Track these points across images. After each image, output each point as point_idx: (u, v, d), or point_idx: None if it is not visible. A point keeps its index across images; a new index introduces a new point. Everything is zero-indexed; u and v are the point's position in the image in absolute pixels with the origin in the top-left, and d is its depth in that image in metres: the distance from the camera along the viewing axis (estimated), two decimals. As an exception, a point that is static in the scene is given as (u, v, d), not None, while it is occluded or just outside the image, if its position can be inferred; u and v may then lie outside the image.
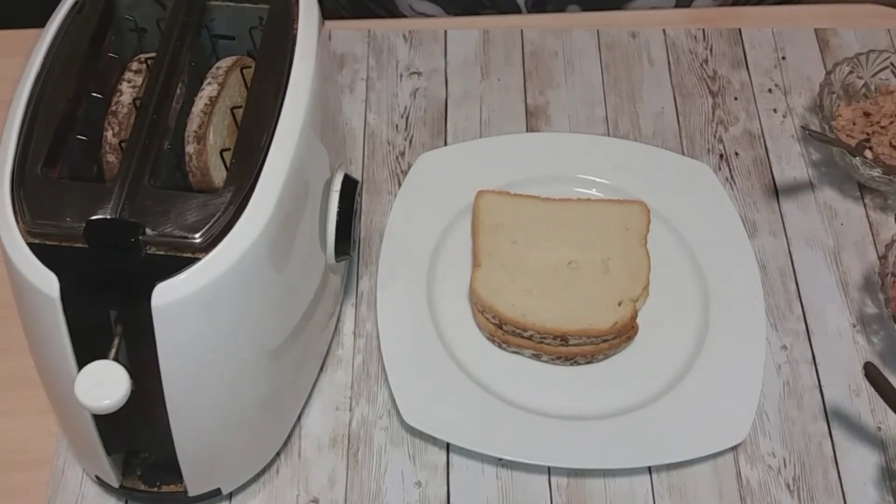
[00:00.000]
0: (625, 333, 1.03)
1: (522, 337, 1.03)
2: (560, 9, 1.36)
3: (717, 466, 1.00)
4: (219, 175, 0.87)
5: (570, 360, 1.04)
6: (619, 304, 1.04)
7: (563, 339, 1.02)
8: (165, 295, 0.77)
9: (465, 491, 0.99)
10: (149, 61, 0.89)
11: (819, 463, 1.00)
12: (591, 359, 1.04)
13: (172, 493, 0.94)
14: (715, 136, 1.21)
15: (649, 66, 1.27)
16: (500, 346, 1.05)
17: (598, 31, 1.30)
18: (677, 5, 1.37)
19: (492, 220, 1.10)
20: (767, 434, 1.02)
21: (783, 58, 1.29)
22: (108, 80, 0.90)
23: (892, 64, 1.19)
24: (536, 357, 1.04)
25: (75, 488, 0.98)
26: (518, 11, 1.36)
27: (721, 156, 1.20)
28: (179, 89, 0.88)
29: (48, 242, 0.78)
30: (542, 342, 1.03)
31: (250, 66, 0.92)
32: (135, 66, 0.90)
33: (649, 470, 1.00)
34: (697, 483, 0.99)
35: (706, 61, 1.28)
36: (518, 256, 1.07)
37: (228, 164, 0.83)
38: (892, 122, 1.15)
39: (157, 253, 0.78)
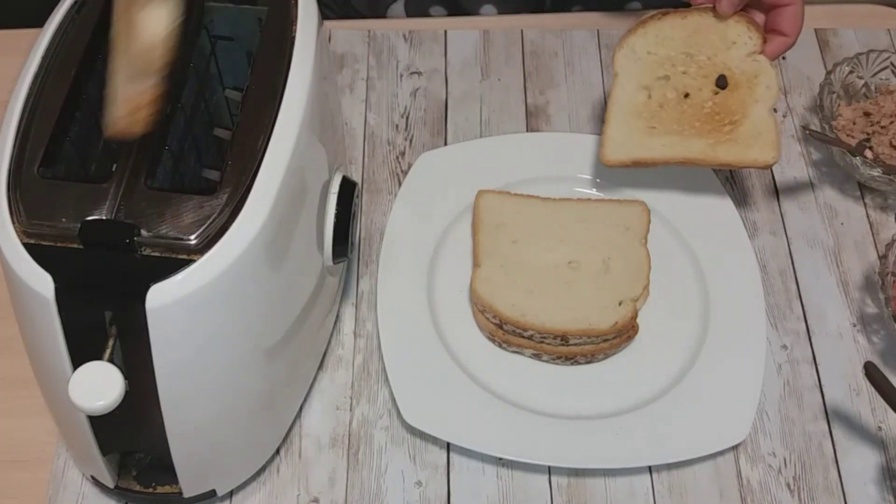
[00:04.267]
0: (625, 333, 1.03)
1: (523, 337, 1.03)
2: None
3: (717, 466, 1.00)
4: None
5: (571, 359, 1.04)
6: (620, 303, 1.04)
7: (564, 338, 1.02)
8: (160, 297, 0.77)
9: (465, 491, 0.99)
10: None
11: (819, 463, 1.00)
12: (591, 358, 1.04)
13: (167, 493, 0.94)
14: (715, 136, 1.21)
15: (650, 66, 1.27)
16: (500, 346, 1.05)
17: (598, 31, 1.30)
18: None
19: (492, 219, 1.10)
20: (768, 434, 1.02)
21: (783, 58, 1.28)
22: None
23: (892, 64, 1.19)
24: (537, 357, 1.04)
25: (76, 488, 0.98)
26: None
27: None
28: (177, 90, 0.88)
29: (43, 243, 0.78)
30: (542, 342, 1.03)
31: None
32: None
33: (650, 470, 1.00)
34: (698, 483, 0.99)
35: (706, 61, 1.28)
36: (518, 256, 1.07)
37: (225, 165, 0.83)
38: (892, 122, 1.15)
39: (152, 254, 0.78)
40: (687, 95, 1.09)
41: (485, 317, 1.05)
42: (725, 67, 1.09)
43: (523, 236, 1.09)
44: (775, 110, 1.07)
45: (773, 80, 1.08)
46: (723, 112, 1.09)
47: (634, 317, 1.04)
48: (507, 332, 1.04)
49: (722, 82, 1.09)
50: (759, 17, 1.11)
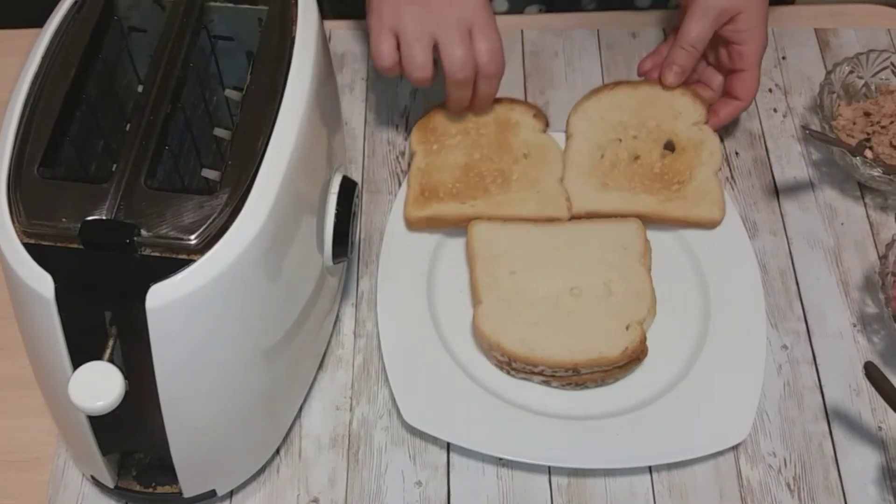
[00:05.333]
0: (636, 357, 1.02)
1: (533, 372, 1.02)
2: None
3: (717, 466, 1.00)
4: None
5: (581, 385, 1.03)
6: (627, 328, 1.03)
7: (575, 370, 1.01)
8: (160, 297, 0.77)
9: (465, 491, 0.99)
10: None
11: (819, 463, 1.00)
12: (601, 383, 1.03)
13: (167, 493, 0.94)
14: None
15: (650, 66, 1.27)
16: (508, 374, 1.04)
17: (598, 31, 1.30)
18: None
19: (488, 251, 1.08)
20: (768, 434, 1.02)
21: (783, 58, 1.28)
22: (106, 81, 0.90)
23: (892, 64, 1.19)
24: (546, 384, 1.03)
25: (76, 488, 0.98)
26: None
27: (721, 156, 1.19)
28: (178, 90, 0.88)
29: (44, 243, 0.78)
30: (553, 375, 1.02)
31: None
32: None
33: (650, 470, 1.00)
34: (698, 483, 0.99)
35: (706, 61, 1.27)
36: (518, 287, 1.06)
37: (225, 165, 0.83)
38: (892, 122, 1.15)
39: (152, 254, 0.78)
40: (637, 157, 1.15)
41: (493, 355, 1.03)
42: (673, 134, 1.17)
43: (521, 266, 1.07)
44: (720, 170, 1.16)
45: (716, 146, 1.16)
46: (671, 173, 1.14)
47: (643, 340, 1.03)
48: (515, 368, 1.03)
49: (670, 147, 1.16)
50: (718, 78, 1.19)
